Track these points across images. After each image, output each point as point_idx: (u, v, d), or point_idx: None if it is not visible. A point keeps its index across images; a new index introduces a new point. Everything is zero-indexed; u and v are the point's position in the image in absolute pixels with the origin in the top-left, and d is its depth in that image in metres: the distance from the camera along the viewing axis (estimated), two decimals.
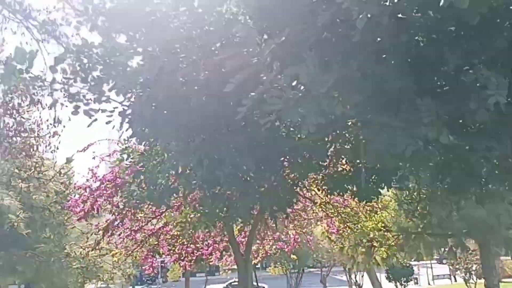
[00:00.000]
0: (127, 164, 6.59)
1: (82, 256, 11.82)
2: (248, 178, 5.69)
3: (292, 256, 15.68)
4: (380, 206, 11.78)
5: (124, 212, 10.35)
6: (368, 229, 12.16)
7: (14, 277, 12.08)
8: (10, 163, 10.79)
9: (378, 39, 2.45)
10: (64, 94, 3.31)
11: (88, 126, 3.35)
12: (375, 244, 12.72)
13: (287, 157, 5.53)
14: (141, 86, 3.21)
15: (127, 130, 3.54)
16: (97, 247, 10.85)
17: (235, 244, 11.20)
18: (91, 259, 11.72)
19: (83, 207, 10.34)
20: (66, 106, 8.98)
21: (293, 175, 7.18)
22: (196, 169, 4.74)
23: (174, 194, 6.02)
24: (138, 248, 12.17)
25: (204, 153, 4.35)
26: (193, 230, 6.98)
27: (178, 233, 12.84)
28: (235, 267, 37.34)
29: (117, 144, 10.11)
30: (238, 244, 11.36)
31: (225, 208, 6.50)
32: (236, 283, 39.85)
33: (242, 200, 5.79)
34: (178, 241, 13.25)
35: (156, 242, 12.86)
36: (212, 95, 3.27)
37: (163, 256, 13.53)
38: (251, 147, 4.32)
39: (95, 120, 3.31)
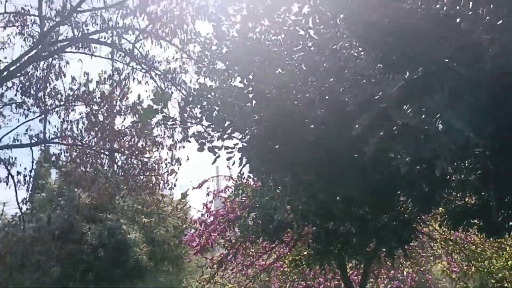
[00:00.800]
0: (242, 199, 6.77)
1: None
2: (364, 213, 5.52)
3: None
4: (509, 243, 10.61)
5: (236, 246, 10.62)
6: (497, 268, 10.98)
7: None
8: (134, 199, 11.79)
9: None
10: (190, 134, 3.57)
11: (213, 163, 3.57)
12: (506, 285, 11.41)
13: (404, 191, 5.27)
14: (257, 124, 3.33)
15: (244, 165, 3.68)
16: (211, 281, 11.19)
17: (349, 282, 10.81)
18: None
19: (198, 241, 10.83)
20: (183, 147, 9.68)
21: (409, 209, 6.82)
22: (309, 204, 4.72)
23: (288, 229, 6.03)
24: (250, 284, 12.30)
25: (318, 189, 4.33)
26: (307, 267, 6.84)
27: (289, 269, 12.80)
28: None
29: (228, 180, 10.56)
30: (351, 282, 10.95)
31: (339, 245, 6.34)
32: None
33: (358, 236, 5.59)
34: (289, 277, 13.17)
35: (267, 278, 12.93)
36: (330, 133, 3.28)
37: None
38: (366, 182, 4.20)
39: (218, 156, 3.52)
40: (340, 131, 3.04)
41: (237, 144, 3.51)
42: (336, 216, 5.94)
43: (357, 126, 2.43)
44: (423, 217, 7.77)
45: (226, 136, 3.50)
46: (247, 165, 3.78)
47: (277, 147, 3.30)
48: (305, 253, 7.03)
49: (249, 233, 6.85)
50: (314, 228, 6.43)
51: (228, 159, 3.56)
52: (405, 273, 13.52)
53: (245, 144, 3.50)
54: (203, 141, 3.42)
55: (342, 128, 3.17)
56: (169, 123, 3.41)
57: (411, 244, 11.59)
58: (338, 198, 4.82)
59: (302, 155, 3.40)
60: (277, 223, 5.65)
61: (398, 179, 4.62)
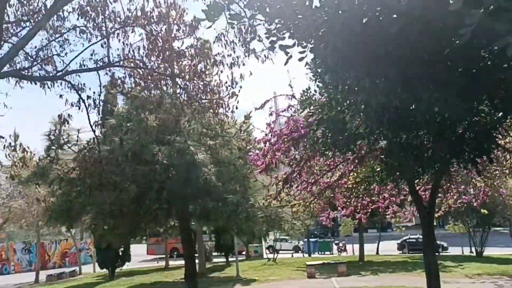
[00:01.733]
0: (309, 113, 6.55)
1: (265, 206, 12.65)
2: (443, 120, 5.15)
3: (482, 210, 14.21)
4: None
5: (301, 164, 10.64)
6: None
7: (208, 224, 13.60)
8: (199, 122, 11.97)
9: None
10: (264, 35, 3.32)
11: (285, 64, 3.32)
12: None
13: (490, 93, 4.79)
14: (334, 16, 3.01)
15: (318, 64, 3.41)
16: (277, 198, 11.43)
17: (417, 196, 10.61)
18: (273, 209, 12.47)
19: (263, 160, 10.93)
20: (244, 64, 9.44)
21: (490, 118, 6.31)
22: (386, 109, 4.43)
23: (361, 141, 5.80)
24: (315, 200, 12.47)
25: (395, 93, 4.01)
26: (379, 183, 6.64)
27: (353, 186, 12.76)
28: (409, 224, 35.67)
29: (291, 99, 10.34)
30: (420, 197, 10.74)
31: (413, 159, 6.06)
32: (411, 239, 38.61)
33: (434, 148, 5.27)
34: (353, 194, 13.19)
35: (332, 195, 13.02)
36: (414, 25, 2.91)
37: (338, 209, 13.61)
38: (451, 81, 3.82)
39: (290, 57, 3.27)
40: (426, 24, 2.68)
41: (310, 41, 3.23)
42: (412, 126, 5.61)
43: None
44: (504, 125, 7.22)
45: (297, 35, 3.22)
46: (320, 68, 3.52)
47: (356, 40, 3.00)
48: (378, 169, 6.81)
49: (318, 145, 6.69)
50: (386, 141, 6.17)
51: (301, 59, 3.31)
52: (478, 187, 13.07)
53: (318, 42, 3.21)
54: (274, 39, 3.17)
55: (431, 18, 2.80)
56: (236, 22, 3.16)
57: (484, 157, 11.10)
58: (416, 104, 4.49)
59: (383, 50, 3.08)
60: (349, 133, 5.42)
61: (484, 77, 4.17)
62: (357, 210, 13.59)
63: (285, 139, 10.07)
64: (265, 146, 10.69)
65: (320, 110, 5.84)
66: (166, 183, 10.48)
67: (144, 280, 23.95)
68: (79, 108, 8.28)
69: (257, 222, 11.73)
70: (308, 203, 12.24)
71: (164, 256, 34.50)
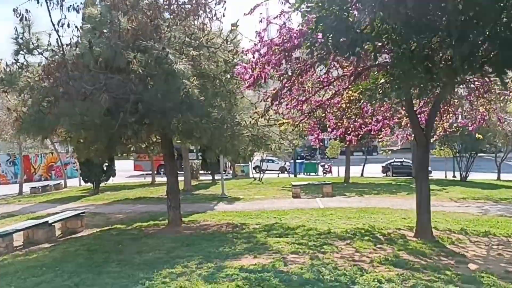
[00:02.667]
0: (307, 8, 5.42)
1: (252, 124, 11.83)
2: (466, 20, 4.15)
3: (477, 135, 13.60)
4: None
5: (292, 79, 9.66)
6: None
7: (191, 141, 12.81)
8: (181, 31, 10.71)
9: None
10: None
11: None
12: None
13: None
14: None
15: None
16: (265, 115, 10.57)
17: (414, 117, 9.84)
18: (259, 128, 11.66)
19: (252, 74, 9.90)
20: None
21: None
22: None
23: (368, 43, 4.80)
24: (305, 119, 11.66)
25: None
26: (381, 100, 5.73)
27: (347, 106, 11.92)
28: (394, 148, 35.53)
29: (284, 4, 9.08)
30: (417, 119, 9.96)
31: (423, 67, 5.13)
32: (396, 163, 38.89)
33: (458, 50, 4.32)
34: (346, 114, 12.39)
35: (323, 115, 12.20)
36: None
37: (329, 130, 12.85)
38: None
39: None
40: None
41: None
42: (429, 28, 4.61)
43: None
44: None
45: None
46: None
47: None
48: (381, 80, 5.88)
49: (316, 49, 5.69)
50: (395, 48, 5.18)
51: None
52: (473, 112, 12.34)
53: None
54: None
55: None
56: None
57: (487, 79, 10.19)
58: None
59: None
60: (354, 34, 4.42)
61: None
62: (348, 132, 12.88)
63: (276, 50, 8.99)
64: (253, 57, 9.60)
65: (320, 4, 4.77)
66: (143, 95, 9.47)
67: (128, 194, 23.76)
68: (38, 2, 7.04)
69: (243, 141, 10.95)
70: (297, 122, 11.42)
71: (150, 172, 34.34)
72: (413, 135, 10.13)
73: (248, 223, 12.50)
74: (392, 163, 38.56)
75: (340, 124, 12.61)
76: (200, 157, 34.45)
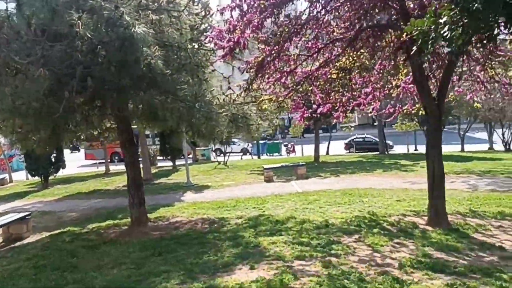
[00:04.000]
0: None
1: (227, 102, 9.91)
2: None
3: (475, 104, 12.33)
4: None
5: (281, 42, 7.78)
6: None
7: (155, 125, 10.67)
8: None
9: None
10: None
11: None
12: None
13: None
14: None
15: None
16: (249, 89, 8.65)
17: (426, 85, 8.25)
18: (236, 106, 9.72)
19: (230, 38, 7.94)
20: None
21: None
22: None
23: None
24: (291, 94, 9.88)
25: None
26: (451, 43, 3.96)
27: (338, 76, 10.22)
28: (352, 124, 34.05)
29: None
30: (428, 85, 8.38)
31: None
32: (358, 139, 38.09)
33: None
34: (337, 86, 10.69)
35: (310, 88, 10.42)
36: None
37: (314, 106, 11.15)
38: None
39: None
40: None
41: None
42: None
43: None
44: None
45: None
46: None
47: None
48: (444, 18, 4.11)
49: None
50: None
51: None
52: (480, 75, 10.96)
53: None
54: None
55: None
56: None
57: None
58: None
59: None
60: None
61: None
62: (336, 108, 11.25)
63: (262, 4, 7.06)
64: (231, 17, 7.63)
65: None
66: (93, 69, 7.30)
67: (81, 187, 21.20)
68: None
69: (221, 122, 9.00)
70: (282, 99, 9.63)
71: (104, 161, 31.54)
72: (423, 107, 8.54)
73: (227, 217, 10.66)
74: (354, 140, 37.77)
75: (327, 99, 10.94)
76: (157, 142, 32.02)
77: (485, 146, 31.95)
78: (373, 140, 37.18)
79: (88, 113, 10.04)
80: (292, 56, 9.10)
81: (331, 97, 10.95)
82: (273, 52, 7.82)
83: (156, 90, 8.51)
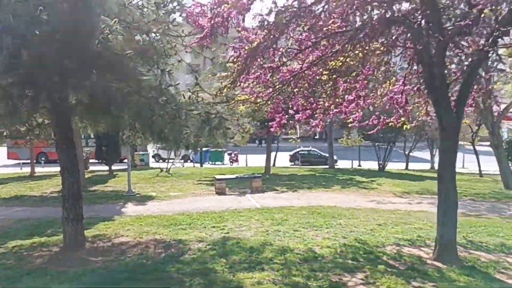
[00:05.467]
0: None
1: (195, 100, 8.04)
2: None
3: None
4: None
5: (279, 31, 6.06)
6: None
7: (102, 122, 8.47)
8: None
9: None
10: None
11: None
12: None
13: None
14: None
15: None
16: (234, 85, 6.85)
17: (445, 93, 6.90)
18: (211, 105, 7.86)
19: (215, 13, 6.12)
20: None
21: None
22: None
23: None
24: (274, 94, 8.21)
25: None
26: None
27: (329, 78, 8.70)
28: (294, 136, 32.84)
29: None
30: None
31: None
32: (303, 152, 37.24)
33: None
34: (325, 90, 9.17)
35: (295, 90, 8.76)
36: None
37: (290, 112, 9.56)
38: None
39: None
40: None
41: None
42: None
43: None
44: None
45: None
46: None
47: None
48: None
49: None
50: None
51: None
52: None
53: None
54: None
55: None
56: None
57: None
58: None
59: None
60: None
61: None
62: (315, 115, 9.77)
63: None
64: None
65: None
66: (29, 39, 5.17)
67: (0, 191, 17.97)
68: None
69: (192, 123, 7.09)
70: (264, 100, 7.94)
71: (29, 161, 27.83)
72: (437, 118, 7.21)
73: (185, 240, 8.72)
74: (300, 152, 36.88)
75: (308, 104, 9.40)
76: (92, 144, 28.95)
77: (427, 165, 32.31)
78: (318, 153, 36.52)
79: (14, 102, 7.69)
80: (281, 50, 7.44)
81: (312, 103, 9.45)
82: (271, 39, 6.12)
83: (113, 75, 6.47)
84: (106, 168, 25.67)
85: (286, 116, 9.64)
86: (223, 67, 12.70)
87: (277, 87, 8.20)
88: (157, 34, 8.26)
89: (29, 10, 4.95)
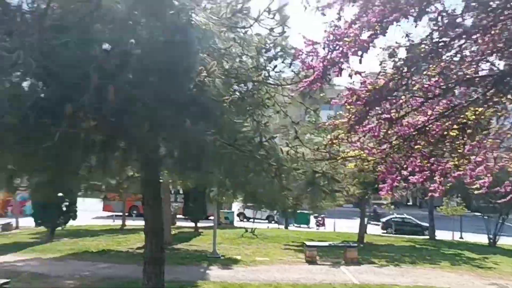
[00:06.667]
0: None
1: (294, 156, 6.86)
2: None
3: None
4: None
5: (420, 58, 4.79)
6: None
7: (197, 174, 7.49)
8: None
9: None
10: None
11: None
12: None
13: None
14: None
15: None
16: (345, 137, 5.62)
17: None
18: (315, 162, 6.63)
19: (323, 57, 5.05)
20: None
21: None
22: None
23: None
24: (390, 151, 6.81)
25: None
26: None
27: (458, 134, 7.12)
28: (384, 201, 29.55)
29: None
30: None
31: None
32: (397, 219, 34.00)
33: None
34: (446, 149, 7.56)
35: (416, 147, 7.24)
36: None
37: (403, 173, 8.00)
38: None
39: None
40: None
41: None
42: None
43: None
44: None
45: None
46: None
47: None
48: None
49: None
50: None
51: None
52: None
53: None
54: None
55: None
56: None
57: None
58: None
59: None
60: None
61: None
62: (434, 177, 8.09)
63: None
64: (338, 19, 4.77)
65: None
66: (118, 78, 4.47)
67: (90, 245, 17.95)
68: None
69: (294, 183, 5.90)
70: (379, 158, 6.57)
71: (121, 214, 28.44)
72: None
73: None
74: (393, 219, 33.81)
75: (426, 165, 7.79)
76: (180, 200, 28.99)
77: None
78: (413, 221, 33.18)
79: (106, 154, 7.10)
80: (403, 98, 6.11)
81: (431, 163, 7.82)
82: (402, 74, 4.88)
83: (205, 125, 5.56)
84: (192, 224, 25.21)
85: (399, 178, 8.07)
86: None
87: (394, 143, 6.77)
88: (256, 83, 7.43)
89: (120, 44, 4.25)
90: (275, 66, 7.19)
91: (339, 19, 4.66)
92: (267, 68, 7.26)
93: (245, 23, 6.64)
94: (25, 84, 4.22)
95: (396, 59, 4.82)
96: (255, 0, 6.35)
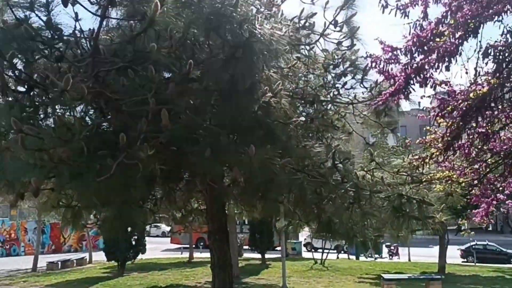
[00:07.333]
0: None
1: (371, 180, 6.09)
2: None
3: None
4: None
5: None
6: None
7: (264, 204, 6.93)
8: None
9: None
10: None
11: None
12: None
13: None
14: None
15: None
16: (436, 158, 4.82)
17: None
18: (399, 186, 5.82)
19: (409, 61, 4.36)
20: None
21: None
22: None
23: None
24: (485, 172, 5.86)
25: None
26: None
27: None
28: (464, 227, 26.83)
29: None
30: None
31: None
32: (478, 246, 31.00)
33: None
34: None
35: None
36: None
37: (500, 196, 6.90)
38: None
39: None
40: None
41: None
42: None
43: None
44: None
45: None
46: None
47: None
48: None
49: None
50: None
51: None
52: None
53: None
54: None
55: None
56: None
57: None
58: None
59: None
60: None
61: None
62: None
63: None
64: (423, 18, 4.09)
65: None
66: (178, 102, 4.06)
67: (158, 279, 17.81)
68: None
69: (378, 210, 5.15)
70: (472, 179, 5.64)
71: (188, 246, 28.35)
72: None
73: None
74: (474, 247, 30.83)
75: None
76: (246, 231, 28.44)
77: None
78: (497, 249, 30.04)
79: (169, 186, 6.77)
80: (500, 109, 5.20)
81: None
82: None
83: (272, 150, 4.99)
84: (259, 256, 24.47)
85: (495, 202, 6.98)
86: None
87: (490, 161, 5.81)
88: (324, 104, 6.83)
89: (177, 65, 3.86)
90: (345, 83, 6.57)
91: (424, 18, 3.99)
92: (336, 85, 6.67)
93: (309, 40, 6.17)
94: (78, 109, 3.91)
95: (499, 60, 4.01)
96: (319, 12, 5.86)
